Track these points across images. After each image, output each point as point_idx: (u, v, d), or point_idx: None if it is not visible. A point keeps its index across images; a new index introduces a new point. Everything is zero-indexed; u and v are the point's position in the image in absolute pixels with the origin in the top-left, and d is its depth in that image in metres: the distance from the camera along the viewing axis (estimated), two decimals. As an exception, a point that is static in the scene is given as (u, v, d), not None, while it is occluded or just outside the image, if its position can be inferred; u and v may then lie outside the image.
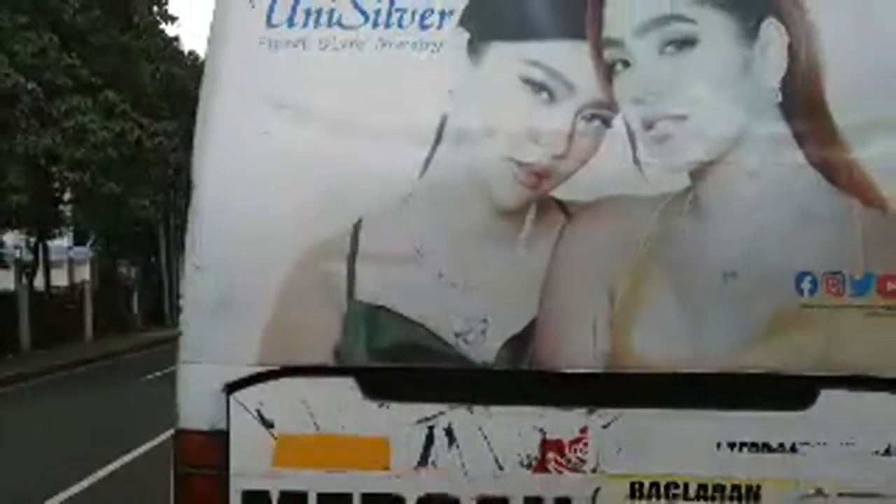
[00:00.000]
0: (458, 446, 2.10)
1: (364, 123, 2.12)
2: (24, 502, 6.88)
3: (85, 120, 17.49)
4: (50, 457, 8.58)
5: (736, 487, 2.11)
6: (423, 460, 2.10)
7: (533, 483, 2.10)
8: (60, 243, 29.14)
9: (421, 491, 2.10)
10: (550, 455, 2.10)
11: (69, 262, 30.36)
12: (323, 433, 2.10)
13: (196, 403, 2.12)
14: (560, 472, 2.09)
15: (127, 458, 8.27)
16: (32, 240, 25.03)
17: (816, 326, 2.10)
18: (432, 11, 2.14)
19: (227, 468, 2.10)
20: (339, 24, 2.15)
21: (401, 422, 2.10)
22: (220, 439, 2.10)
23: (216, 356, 2.12)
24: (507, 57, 2.16)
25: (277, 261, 2.10)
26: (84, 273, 29.69)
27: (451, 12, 2.14)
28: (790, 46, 2.15)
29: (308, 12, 2.15)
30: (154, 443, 8.93)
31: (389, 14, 2.15)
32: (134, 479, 7.51)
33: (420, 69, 2.15)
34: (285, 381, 2.11)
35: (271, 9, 2.15)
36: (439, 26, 2.14)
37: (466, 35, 2.15)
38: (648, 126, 2.11)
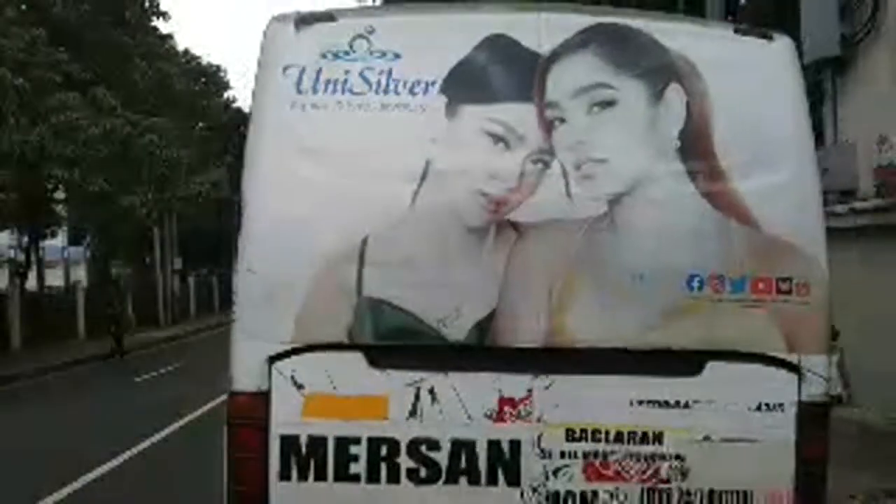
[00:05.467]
0: (438, 402, 2.86)
1: (369, 165, 2.88)
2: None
3: (74, 116, 17.47)
4: (41, 458, 8.68)
5: (644, 434, 2.89)
6: (413, 413, 2.87)
7: (493, 429, 2.87)
8: (55, 243, 29.14)
9: (411, 435, 2.87)
10: (506, 409, 2.87)
11: (65, 261, 30.15)
12: (339, 393, 2.87)
13: (246, 371, 2.88)
14: (513, 422, 2.87)
15: (120, 459, 8.42)
16: (25, 239, 24.98)
17: (703, 315, 2.87)
18: (419, 82, 2.91)
19: (268, 419, 2.87)
20: (350, 91, 2.91)
21: (396, 384, 2.87)
22: (263, 398, 2.86)
23: (262, 336, 2.86)
24: (474, 116, 2.92)
25: (306, 266, 2.84)
26: (80, 273, 29.68)
27: (434, 83, 2.91)
28: (688, 105, 2.94)
29: (327, 82, 2.92)
30: (146, 444, 9.22)
31: (387, 84, 2.91)
32: (127, 480, 7.71)
33: (410, 125, 2.90)
34: (312, 355, 2.86)
35: (300, 79, 2.92)
36: (425, 93, 2.91)
37: (445, 100, 2.91)
38: (577, 167, 2.88)
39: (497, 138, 2.91)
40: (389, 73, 2.93)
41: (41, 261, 26.34)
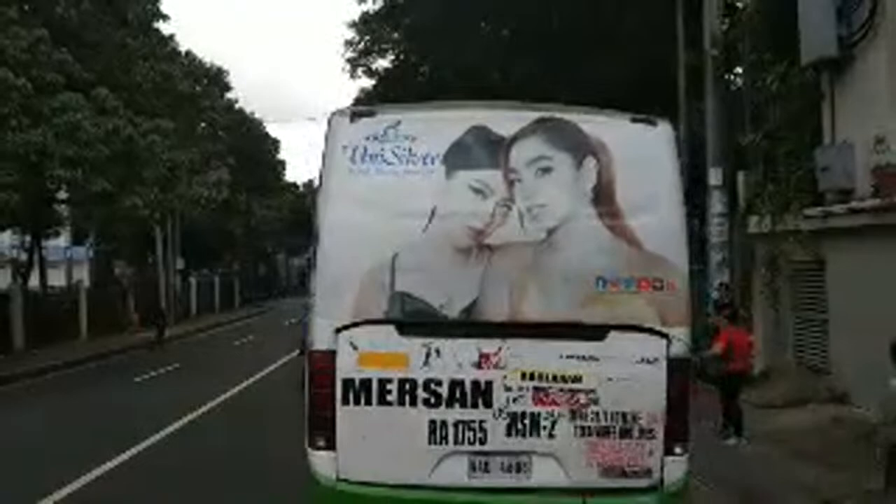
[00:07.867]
0: (441, 356, 4.71)
1: (397, 209, 4.69)
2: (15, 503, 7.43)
3: (77, 117, 18.64)
4: (41, 458, 9.32)
5: (570, 376, 4.75)
6: (425, 363, 4.72)
7: (476, 373, 4.73)
8: (58, 243, 30.09)
9: (424, 377, 4.72)
10: (483, 361, 4.74)
11: (67, 261, 31.18)
12: (379, 351, 4.71)
13: (321, 337, 4.72)
14: (488, 368, 4.73)
15: (119, 459, 9.13)
16: (28, 239, 25.77)
17: (606, 302, 4.73)
18: (428, 155, 4.75)
19: (334, 368, 4.72)
20: (385, 161, 4.77)
21: (415, 346, 4.71)
22: (332, 354, 4.71)
23: (331, 315, 4.72)
24: (463, 177, 4.75)
25: (358, 271, 4.68)
26: (82, 273, 30.68)
27: (438, 155, 4.75)
28: (598, 170, 4.78)
29: (371, 156, 4.76)
30: (145, 445, 9.92)
31: (409, 157, 4.76)
32: (126, 481, 8.36)
33: (423, 183, 4.72)
34: (363, 328, 4.70)
35: (353, 154, 4.76)
36: (432, 163, 4.75)
37: (444, 167, 4.74)
38: (528, 210, 4.71)
39: (477, 191, 4.78)
40: (410, 150, 4.81)
41: (43, 261, 27.29)
